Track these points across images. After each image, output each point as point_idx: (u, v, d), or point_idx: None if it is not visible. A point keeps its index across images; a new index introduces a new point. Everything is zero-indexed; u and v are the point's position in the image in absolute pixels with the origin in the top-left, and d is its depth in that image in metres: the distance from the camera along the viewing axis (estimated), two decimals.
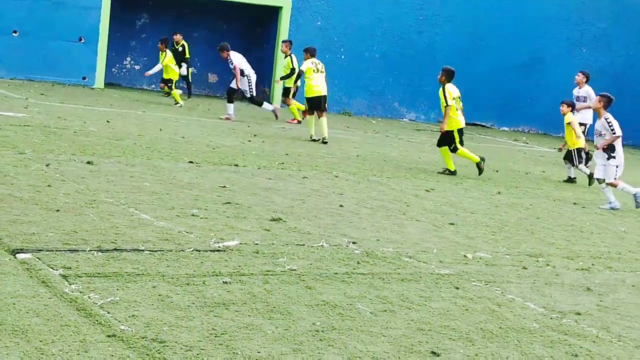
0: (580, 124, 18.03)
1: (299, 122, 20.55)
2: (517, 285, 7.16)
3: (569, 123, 15.37)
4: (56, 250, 6.36)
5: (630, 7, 28.55)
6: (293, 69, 20.08)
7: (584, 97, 18.23)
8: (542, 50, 28.23)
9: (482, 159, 14.44)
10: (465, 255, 8.06)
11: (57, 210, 7.68)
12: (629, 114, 28.04)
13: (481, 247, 8.56)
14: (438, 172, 14.25)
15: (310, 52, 17.61)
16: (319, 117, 17.06)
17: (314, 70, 17.16)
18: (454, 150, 14.34)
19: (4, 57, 23.37)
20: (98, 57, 24.25)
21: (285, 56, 20.83)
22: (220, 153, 13.18)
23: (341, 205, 9.90)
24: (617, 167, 12.66)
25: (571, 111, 15.52)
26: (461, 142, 14.37)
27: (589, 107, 18.05)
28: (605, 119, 12.65)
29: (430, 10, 27.23)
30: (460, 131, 14.36)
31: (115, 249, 6.62)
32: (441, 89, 14.29)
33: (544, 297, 6.90)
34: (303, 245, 7.63)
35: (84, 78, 24.12)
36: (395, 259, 7.53)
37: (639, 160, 22.39)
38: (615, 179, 12.64)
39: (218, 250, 7.01)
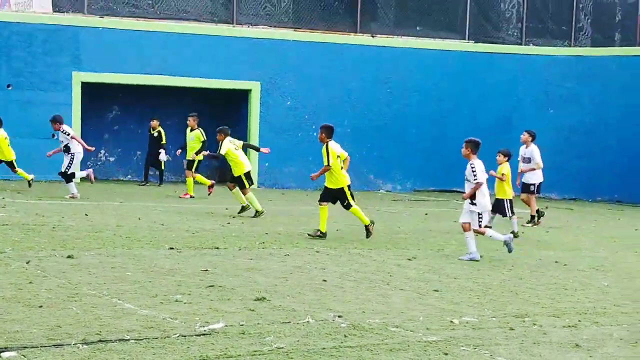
0: (530, 184, 18.28)
1: (192, 197, 20.76)
2: (505, 347, 7.16)
3: (503, 174, 15.63)
4: (41, 346, 6.32)
5: (594, 65, 29.02)
6: (204, 142, 21.21)
7: (529, 158, 18.46)
8: (510, 114, 28.55)
9: (372, 222, 14.32)
10: (451, 321, 8.07)
11: (40, 306, 7.65)
12: (603, 169, 28.34)
13: (467, 312, 8.57)
14: (308, 234, 14.11)
15: (224, 133, 17.16)
16: (245, 194, 16.98)
17: (234, 149, 17.02)
18: (348, 207, 14.33)
19: None
20: None
21: (192, 129, 21.40)
22: (200, 237, 13.18)
23: (324, 280, 9.90)
24: (480, 214, 12.44)
25: (507, 161, 15.83)
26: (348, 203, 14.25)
27: (533, 169, 18.31)
28: (470, 165, 12.43)
29: (397, 82, 27.57)
30: (349, 187, 14.34)
31: (100, 341, 6.58)
32: (324, 147, 14.19)
33: (533, 356, 6.90)
34: (289, 322, 7.62)
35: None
36: (382, 330, 7.53)
37: (614, 215, 22.50)
38: (480, 226, 12.47)
39: (204, 334, 6.99)
